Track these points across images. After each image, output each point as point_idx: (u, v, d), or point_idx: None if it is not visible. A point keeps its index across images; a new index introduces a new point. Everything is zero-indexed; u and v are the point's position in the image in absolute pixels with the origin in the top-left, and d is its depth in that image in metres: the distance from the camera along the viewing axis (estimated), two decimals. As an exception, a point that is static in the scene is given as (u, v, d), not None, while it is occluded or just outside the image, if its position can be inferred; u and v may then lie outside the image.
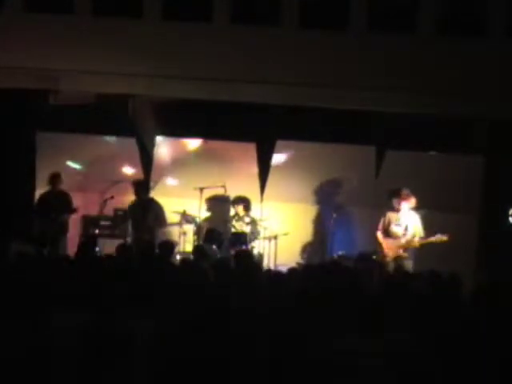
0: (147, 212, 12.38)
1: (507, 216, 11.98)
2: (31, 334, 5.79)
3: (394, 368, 5.83)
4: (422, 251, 11.65)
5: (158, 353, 5.75)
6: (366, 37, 12.65)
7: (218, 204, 13.18)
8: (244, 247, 12.16)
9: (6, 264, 8.05)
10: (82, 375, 5.66)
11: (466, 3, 12.61)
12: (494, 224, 12.41)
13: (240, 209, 12.67)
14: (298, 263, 11.88)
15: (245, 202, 12.74)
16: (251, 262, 9.21)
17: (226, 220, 12.84)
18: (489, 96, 12.57)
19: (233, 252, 11.83)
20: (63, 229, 12.46)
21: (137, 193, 12.56)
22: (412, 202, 11.73)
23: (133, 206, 12.63)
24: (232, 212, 12.93)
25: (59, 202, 12.46)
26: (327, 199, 13.21)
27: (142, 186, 12.63)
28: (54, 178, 12.56)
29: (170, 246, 9.51)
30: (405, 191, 11.72)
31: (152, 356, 5.75)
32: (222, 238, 12.35)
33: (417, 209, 11.83)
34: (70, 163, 13.30)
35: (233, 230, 12.64)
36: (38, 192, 12.95)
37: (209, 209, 13.20)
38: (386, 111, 12.71)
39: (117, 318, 5.88)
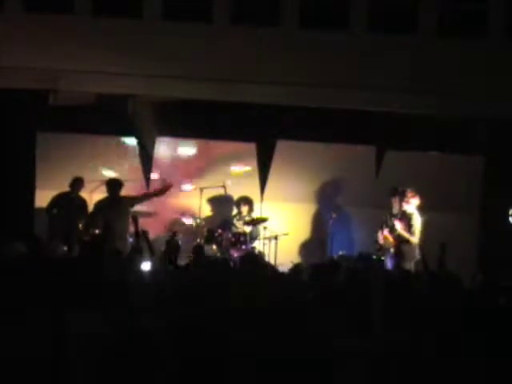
0: (119, 208, 12.28)
1: (507, 216, 11.98)
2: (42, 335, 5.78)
3: (393, 367, 5.83)
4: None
5: (172, 352, 5.74)
6: (366, 37, 12.66)
7: (219, 203, 13.18)
8: (244, 247, 12.17)
9: (7, 264, 8.03)
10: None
11: (467, 3, 12.63)
12: (494, 224, 12.41)
13: (245, 209, 12.69)
14: (293, 262, 11.81)
15: (250, 202, 12.77)
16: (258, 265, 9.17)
17: (228, 219, 12.84)
18: (489, 96, 12.58)
19: (232, 252, 11.84)
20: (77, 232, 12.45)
21: (109, 191, 12.45)
22: (412, 202, 11.72)
23: (103, 203, 12.48)
24: (234, 211, 12.93)
25: (78, 206, 12.44)
26: (327, 199, 13.20)
27: (115, 185, 12.49)
28: (77, 182, 12.50)
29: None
30: (410, 192, 11.68)
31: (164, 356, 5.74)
32: (222, 237, 12.35)
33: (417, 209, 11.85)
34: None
35: (233, 229, 12.64)
36: (44, 192, 12.80)
37: (210, 208, 13.21)
38: (386, 111, 12.71)
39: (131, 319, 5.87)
